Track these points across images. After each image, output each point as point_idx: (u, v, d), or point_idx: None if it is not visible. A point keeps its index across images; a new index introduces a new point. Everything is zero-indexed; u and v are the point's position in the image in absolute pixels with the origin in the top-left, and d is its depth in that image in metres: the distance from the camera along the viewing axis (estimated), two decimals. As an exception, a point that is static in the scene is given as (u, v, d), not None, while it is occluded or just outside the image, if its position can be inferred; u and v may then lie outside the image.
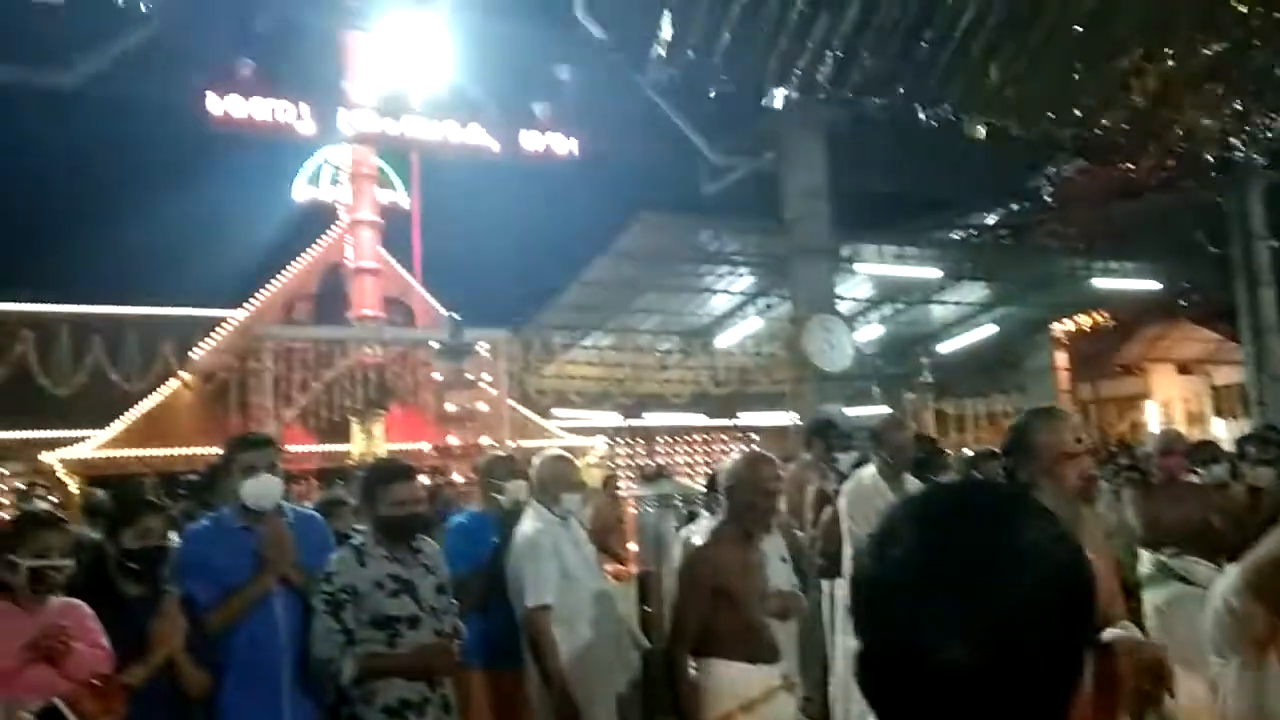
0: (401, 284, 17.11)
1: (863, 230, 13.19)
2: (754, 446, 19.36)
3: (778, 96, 10.88)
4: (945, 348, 17.27)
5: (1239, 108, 12.55)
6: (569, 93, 10.74)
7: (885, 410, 16.57)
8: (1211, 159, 13.33)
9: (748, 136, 12.14)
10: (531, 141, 10.42)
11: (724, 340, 16.08)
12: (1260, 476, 5.89)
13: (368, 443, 11.45)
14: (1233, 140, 13.03)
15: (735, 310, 15.54)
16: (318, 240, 16.98)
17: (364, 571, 3.25)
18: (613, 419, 17.52)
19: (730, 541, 3.45)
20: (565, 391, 16.08)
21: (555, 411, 16.57)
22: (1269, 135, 13.03)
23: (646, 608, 6.80)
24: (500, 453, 4.74)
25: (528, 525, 3.97)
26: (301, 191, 16.82)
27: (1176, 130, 12.51)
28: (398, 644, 3.21)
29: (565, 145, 10.50)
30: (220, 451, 3.92)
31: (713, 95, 10.83)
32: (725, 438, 19.30)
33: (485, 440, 11.96)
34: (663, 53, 9.87)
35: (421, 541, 3.46)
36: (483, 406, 12.16)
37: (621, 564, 7.51)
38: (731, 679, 3.33)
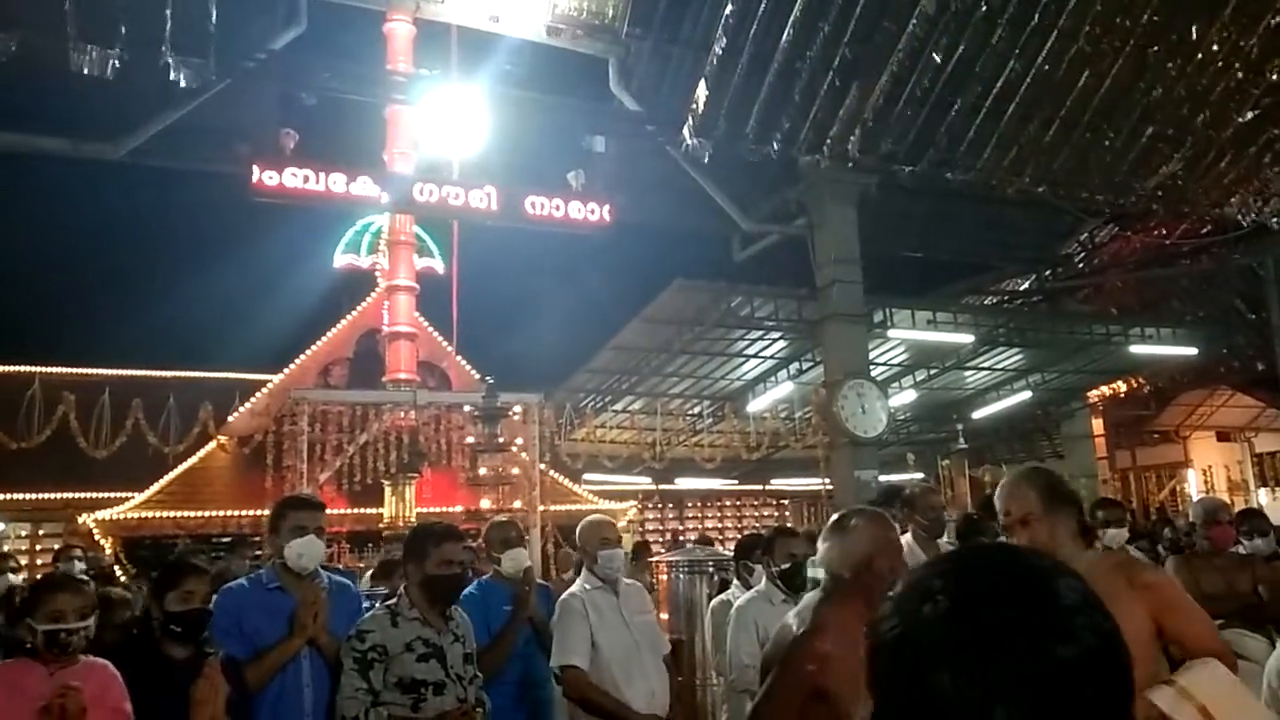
0: (436, 348, 17.32)
1: (895, 295, 13.21)
2: (786, 513, 19.18)
3: (809, 164, 11.01)
4: (980, 413, 17.11)
5: (1274, 173, 12.51)
6: (603, 162, 10.95)
7: (919, 476, 16.42)
8: (1245, 224, 13.25)
9: (780, 203, 12.27)
10: (567, 210, 10.61)
11: (756, 405, 16.04)
12: (1307, 546, 5.76)
13: (400, 506, 11.48)
14: (1268, 206, 12.95)
15: (767, 375, 15.53)
16: (355, 306, 17.29)
17: (395, 632, 3.26)
18: (643, 483, 17.47)
19: (845, 630, 2.45)
20: (597, 455, 16.06)
21: (586, 476, 16.55)
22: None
23: (677, 678, 6.70)
24: (502, 519, 4.71)
25: (570, 589, 4.02)
26: (341, 259, 17.19)
27: (1209, 196, 12.48)
28: (421, 708, 3.20)
29: (599, 213, 10.67)
30: (265, 512, 3.97)
31: (744, 164, 11.00)
32: (756, 503, 19.15)
33: (517, 504, 11.95)
34: (695, 124, 10.07)
35: (453, 609, 3.48)
36: (515, 470, 12.18)
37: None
38: None
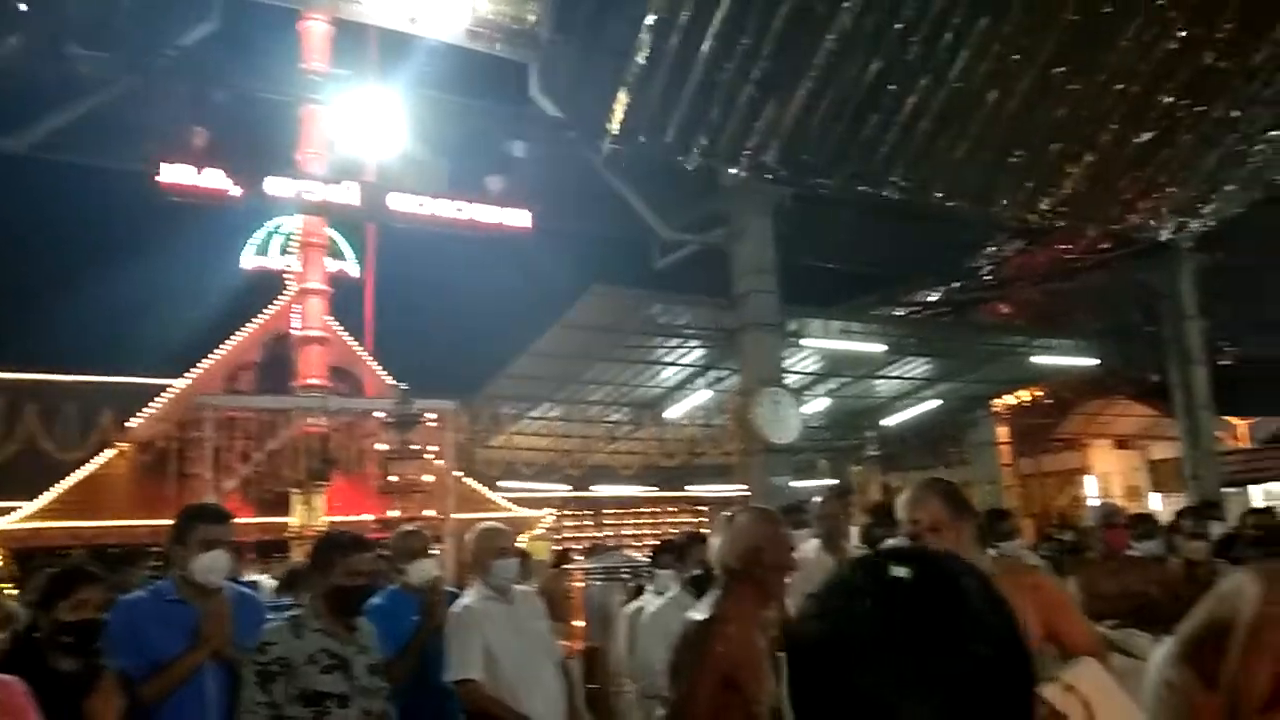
0: (348, 353, 16.99)
1: (810, 305, 13.44)
2: (704, 520, 19.31)
3: (728, 174, 11.14)
4: (890, 421, 17.51)
5: (1168, 193, 13.11)
6: (523, 167, 10.89)
7: (831, 482, 16.72)
8: (1143, 242, 13.84)
9: (699, 213, 12.37)
10: (484, 215, 10.51)
11: (673, 412, 16.13)
12: (1195, 550, 6.03)
13: (308, 514, 11.21)
14: (1163, 224, 13.57)
15: (685, 383, 15.63)
16: (264, 309, 16.85)
17: (299, 644, 3.17)
18: (561, 490, 17.40)
19: (743, 620, 2.73)
20: (513, 463, 15.95)
21: (503, 483, 16.42)
22: (1196, 220, 13.60)
23: (592, 685, 6.68)
24: (409, 529, 4.66)
25: (461, 600, 3.98)
26: (250, 260, 16.74)
27: (1109, 213, 13.02)
28: None
29: (518, 219, 10.60)
30: (167, 522, 3.84)
31: (665, 172, 11.07)
32: (674, 509, 19.24)
33: (429, 513, 11.79)
34: (615, 131, 10.09)
35: (358, 619, 3.41)
36: (428, 478, 12.00)
37: (568, 639, 7.38)
38: None
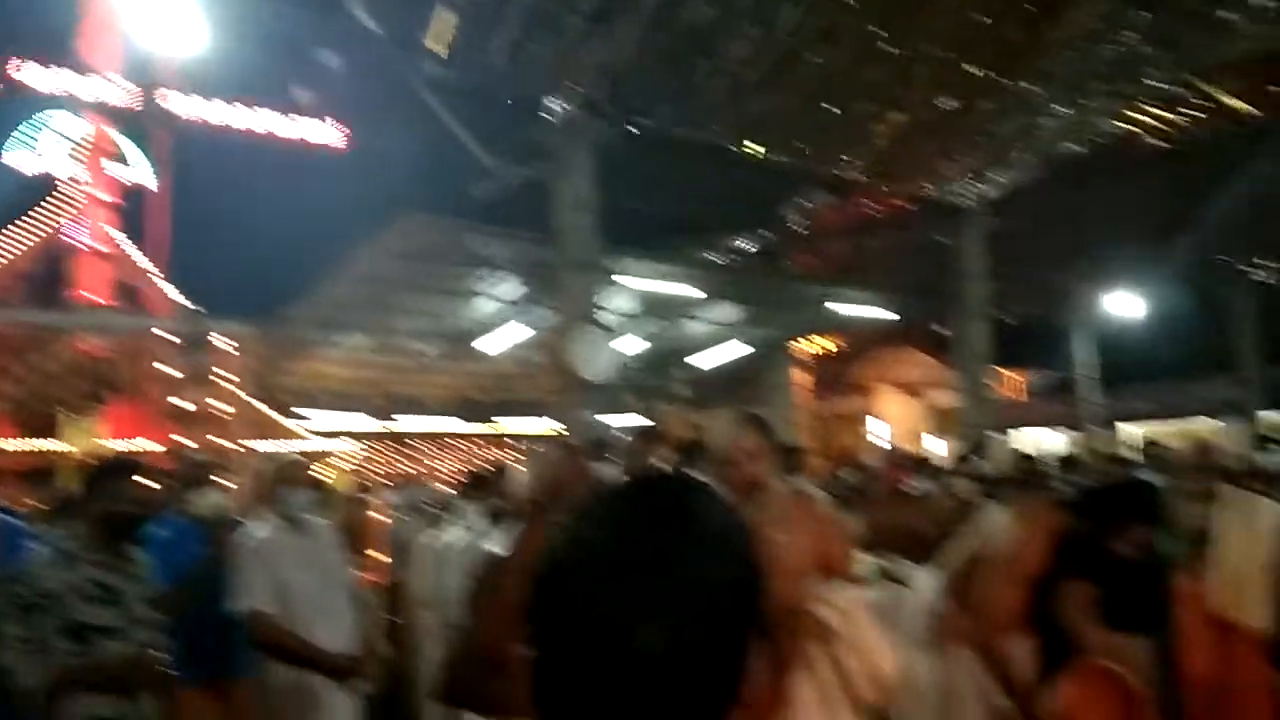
0: (135, 270, 15.73)
1: (628, 246, 13.52)
2: (516, 455, 19.34)
3: (553, 108, 10.96)
4: (701, 363, 18.02)
5: (965, 159, 13.96)
6: (336, 81, 10.32)
7: (642, 420, 17.06)
8: (939, 203, 14.71)
9: (521, 144, 12.14)
10: (287, 128, 9.90)
11: (487, 346, 15.95)
12: (965, 489, 6.56)
13: (82, 439, 10.40)
14: (958, 187, 14.47)
15: (500, 316, 15.46)
16: (37, 215, 15.31)
17: (65, 575, 2.96)
18: (367, 422, 16.95)
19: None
20: (316, 392, 15.36)
21: (304, 412, 15.80)
22: (988, 185, 14.58)
23: (395, 618, 6.60)
24: (196, 457, 4.46)
25: (250, 530, 3.84)
26: (19, 159, 15.10)
27: (912, 174, 13.75)
28: (93, 655, 2.95)
29: (328, 134, 10.06)
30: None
31: (488, 101, 10.78)
32: (485, 444, 19.14)
33: (221, 441, 11.21)
34: (439, 51, 9.70)
35: (132, 549, 3.20)
36: (221, 405, 11.39)
37: (368, 571, 7.24)
38: None
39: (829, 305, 15.42)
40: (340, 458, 16.77)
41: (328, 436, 16.14)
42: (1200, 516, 5.09)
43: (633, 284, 13.52)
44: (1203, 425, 16.33)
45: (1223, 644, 4.92)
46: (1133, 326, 16.43)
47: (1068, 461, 7.81)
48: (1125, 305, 16.06)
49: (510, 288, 14.40)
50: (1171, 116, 14.06)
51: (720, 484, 2.83)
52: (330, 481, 8.73)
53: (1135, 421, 17.43)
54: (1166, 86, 13.25)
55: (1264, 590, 4.88)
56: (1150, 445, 7.96)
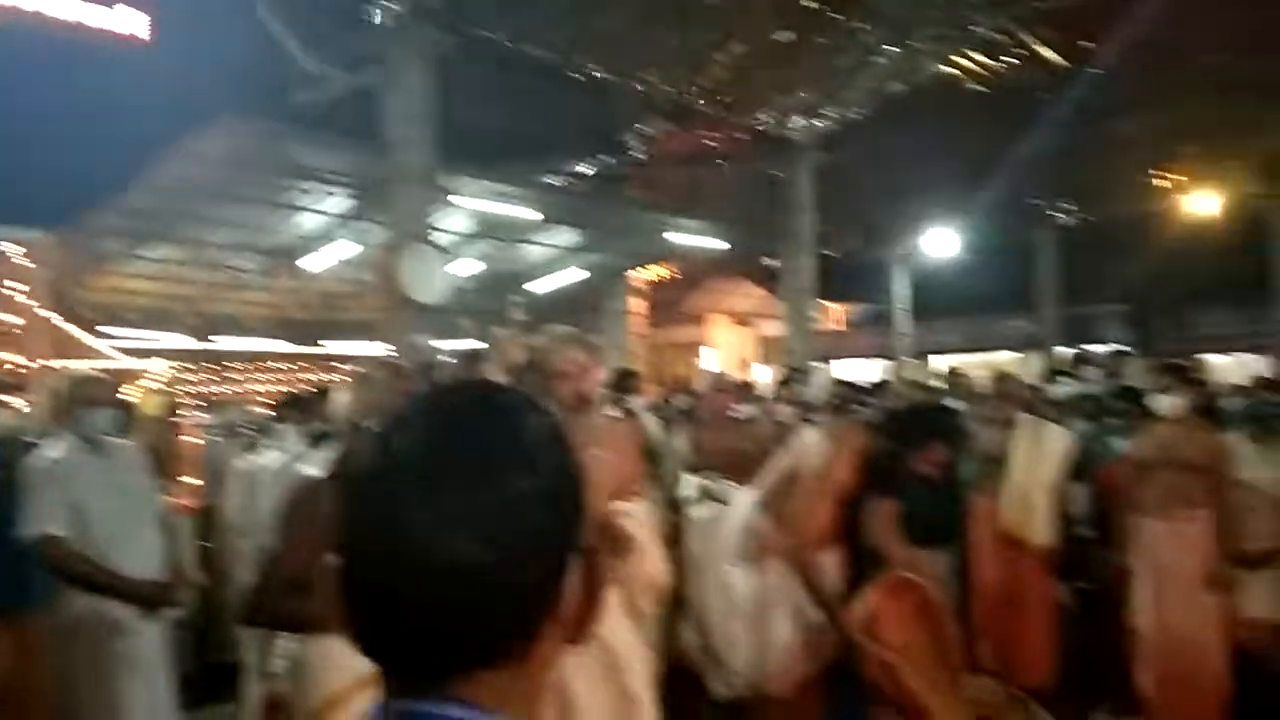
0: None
1: (464, 163, 13.12)
2: (342, 378, 18.74)
3: (386, 10, 10.39)
4: (537, 287, 17.88)
5: (799, 92, 14.24)
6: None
7: (476, 344, 16.83)
8: (773, 135, 14.99)
9: (349, 47, 11.48)
10: (90, 14, 8.97)
11: (311, 263, 15.27)
12: (784, 413, 6.82)
13: None
14: (792, 121, 14.76)
15: (325, 232, 14.79)
16: None
17: None
18: (180, 340, 15.99)
19: None
20: (123, 308, 14.33)
21: (111, 330, 14.73)
22: (819, 121, 14.94)
23: (205, 543, 6.35)
24: None
25: (44, 451, 3.57)
26: None
27: (747, 106, 13.91)
28: None
29: (132, 23, 9.17)
30: None
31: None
32: (309, 366, 18.44)
33: (12, 357, 10.32)
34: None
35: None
36: (12, 319, 10.45)
37: (179, 496, 6.91)
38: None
39: (666, 234, 15.54)
40: (152, 378, 15.80)
41: (138, 356, 15.15)
42: (997, 441, 5.49)
43: (468, 204, 13.19)
44: (1006, 358, 17.59)
45: (1011, 558, 5.37)
46: (947, 263, 17.39)
47: (879, 388, 8.23)
48: (940, 243, 16.94)
49: (337, 202, 13.77)
50: (990, 63, 14.76)
51: (548, 398, 2.87)
52: (138, 402, 8.19)
53: (945, 354, 18.55)
54: (988, 34, 13.88)
55: (1049, 510, 5.33)
56: (953, 374, 8.48)
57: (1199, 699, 4.84)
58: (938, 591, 3.93)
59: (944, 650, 3.64)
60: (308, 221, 14.43)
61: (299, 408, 5.32)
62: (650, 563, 3.08)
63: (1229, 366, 16.34)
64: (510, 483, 0.71)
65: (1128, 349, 9.75)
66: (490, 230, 15.30)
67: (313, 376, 18.11)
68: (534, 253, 16.95)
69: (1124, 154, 16.10)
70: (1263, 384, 6.74)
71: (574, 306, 17.58)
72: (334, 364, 18.03)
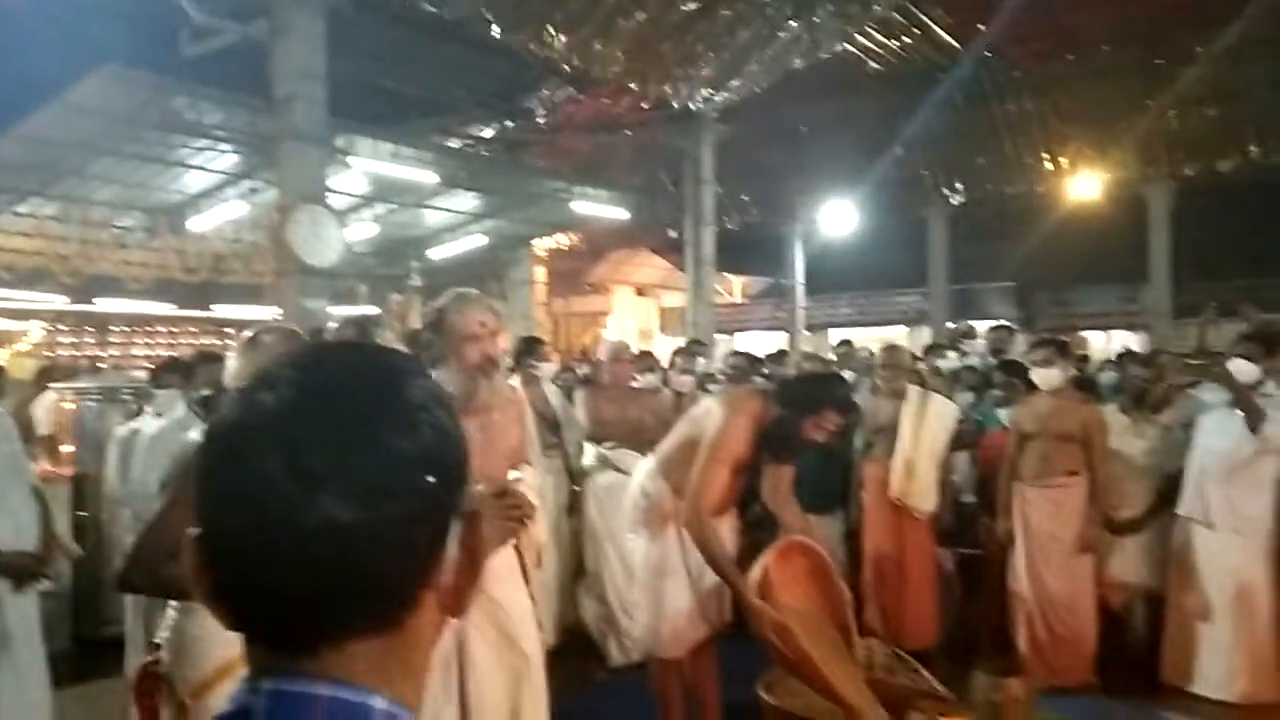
0: None
1: (360, 123, 12.73)
2: (231, 343, 18.11)
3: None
4: (436, 253, 17.56)
5: (703, 64, 14.26)
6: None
7: (372, 310, 16.46)
8: (676, 106, 14.99)
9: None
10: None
11: (198, 223, 14.65)
12: (683, 383, 6.88)
13: None
14: (695, 92, 14.79)
15: (213, 191, 14.20)
16: None
17: None
18: (55, 301, 15.20)
19: None
20: (-9, 266, 13.52)
21: (-23, 289, 13.90)
22: (722, 93, 15.00)
23: (82, 513, 6.09)
24: None
25: None
26: None
27: (652, 75, 13.87)
28: None
29: (-2, -37, 8.59)
30: None
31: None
32: (196, 330, 17.77)
33: None
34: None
35: None
36: None
37: (54, 464, 6.59)
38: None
39: (568, 201, 15.42)
40: (24, 341, 14.98)
41: (10, 317, 14.35)
42: (887, 411, 5.65)
43: (363, 165, 12.81)
44: (897, 332, 18.11)
45: (898, 524, 5.56)
46: (843, 239, 17.75)
47: (775, 359, 8.39)
48: (837, 218, 17.27)
49: (225, 160, 13.22)
50: (889, 42, 15.06)
51: (454, 361, 2.89)
52: (8, 366, 7.73)
53: (840, 327, 18.99)
54: (887, 13, 14.14)
55: (934, 478, 5.53)
56: (847, 346, 8.70)
57: (1070, 655, 5.11)
58: (829, 555, 4.04)
59: (834, 612, 3.75)
60: (194, 179, 13.82)
61: (181, 372, 5.11)
62: (537, 527, 3.17)
63: (1106, 343, 17.23)
64: (384, 443, 0.67)
65: (1011, 325, 10.14)
66: (386, 193, 14.92)
67: (199, 341, 17.48)
68: (432, 218, 16.61)
69: (1012, 135, 16.68)
70: (1134, 359, 7.09)
71: (475, 274, 17.31)
72: (222, 328, 17.40)
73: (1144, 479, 5.39)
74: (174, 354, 9.38)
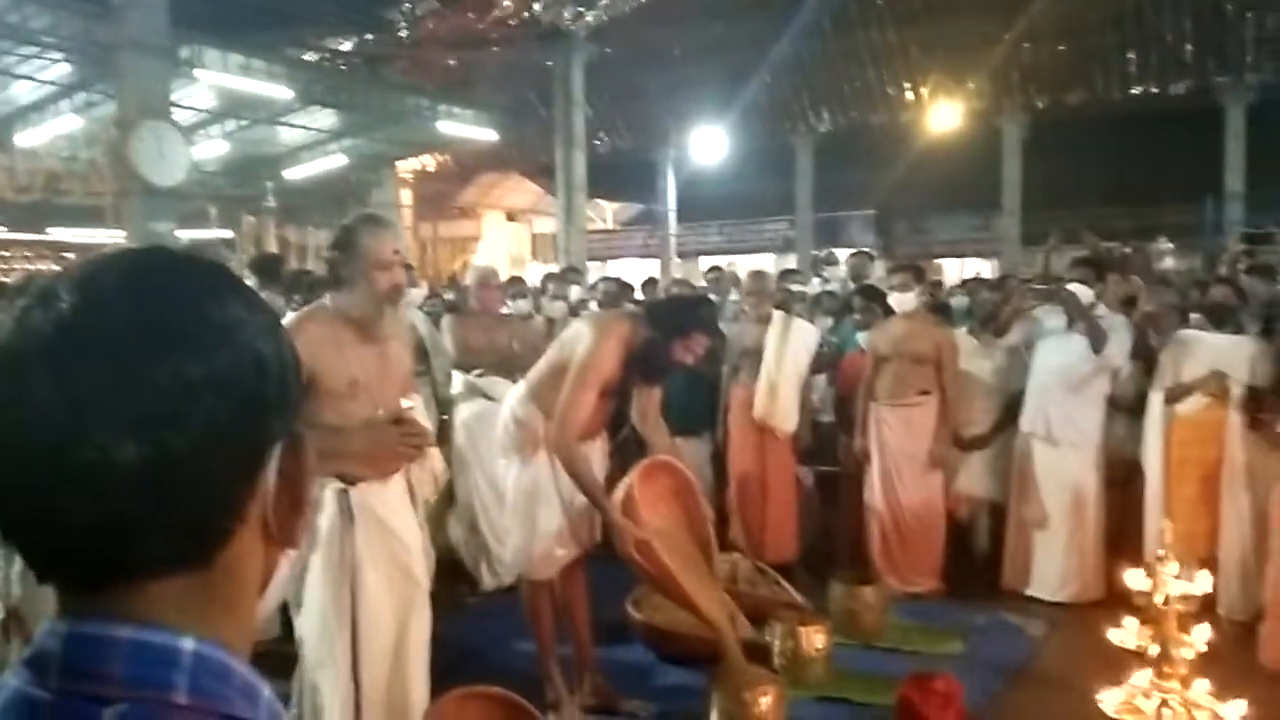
0: None
1: (207, 33, 11.91)
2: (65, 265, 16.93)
3: None
4: (293, 174, 16.78)
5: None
6: None
7: (224, 233, 15.70)
8: (545, 24, 14.61)
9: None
10: None
11: (27, 138, 13.55)
12: (555, 309, 6.85)
13: None
14: (564, 9, 14.43)
15: (44, 103, 13.13)
16: None
17: None
18: None
19: None
20: None
21: None
22: (592, 12, 14.69)
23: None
24: None
25: None
26: None
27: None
28: None
29: None
30: None
31: None
32: (29, 254, 16.55)
33: None
34: None
35: None
36: None
37: None
38: None
39: (433, 121, 14.92)
40: None
41: None
42: (753, 335, 5.77)
43: (211, 78, 12.04)
44: (766, 260, 18.42)
45: (761, 444, 5.72)
46: (713, 166, 17.83)
47: (646, 284, 8.44)
48: (708, 145, 17.31)
49: (57, 70, 12.20)
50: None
51: (363, 286, 2.85)
52: None
53: (710, 254, 19.20)
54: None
55: (795, 399, 5.71)
56: (717, 273, 8.82)
57: (920, 564, 5.42)
58: (695, 476, 4.13)
59: (696, 529, 3.85)
60: (22, 90, 12.73)
61: (9, 299, 4.76)
62: (433, 455, 3.18)
63: (961, 269, 18.00)
64: (169, 367, 0.60)
65: (871, 251, 10.46)
66: (237, 109, 14.11)
67: (35, 267, 16.28)
68: (287, 136, 15.82)
69: (876, 64, 16.98)
70: (983, 284, 7.44)
71: (335, 196, 16.66)
72: (60, 253, 16.26)
73: (990, 398, 5.69)
74: (2, 279, 8.71)
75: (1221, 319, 4.93)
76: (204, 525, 0.63)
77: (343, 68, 15.72)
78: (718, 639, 3.68)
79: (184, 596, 0.63)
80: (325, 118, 15.11)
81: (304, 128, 15.28)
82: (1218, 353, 4.74)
